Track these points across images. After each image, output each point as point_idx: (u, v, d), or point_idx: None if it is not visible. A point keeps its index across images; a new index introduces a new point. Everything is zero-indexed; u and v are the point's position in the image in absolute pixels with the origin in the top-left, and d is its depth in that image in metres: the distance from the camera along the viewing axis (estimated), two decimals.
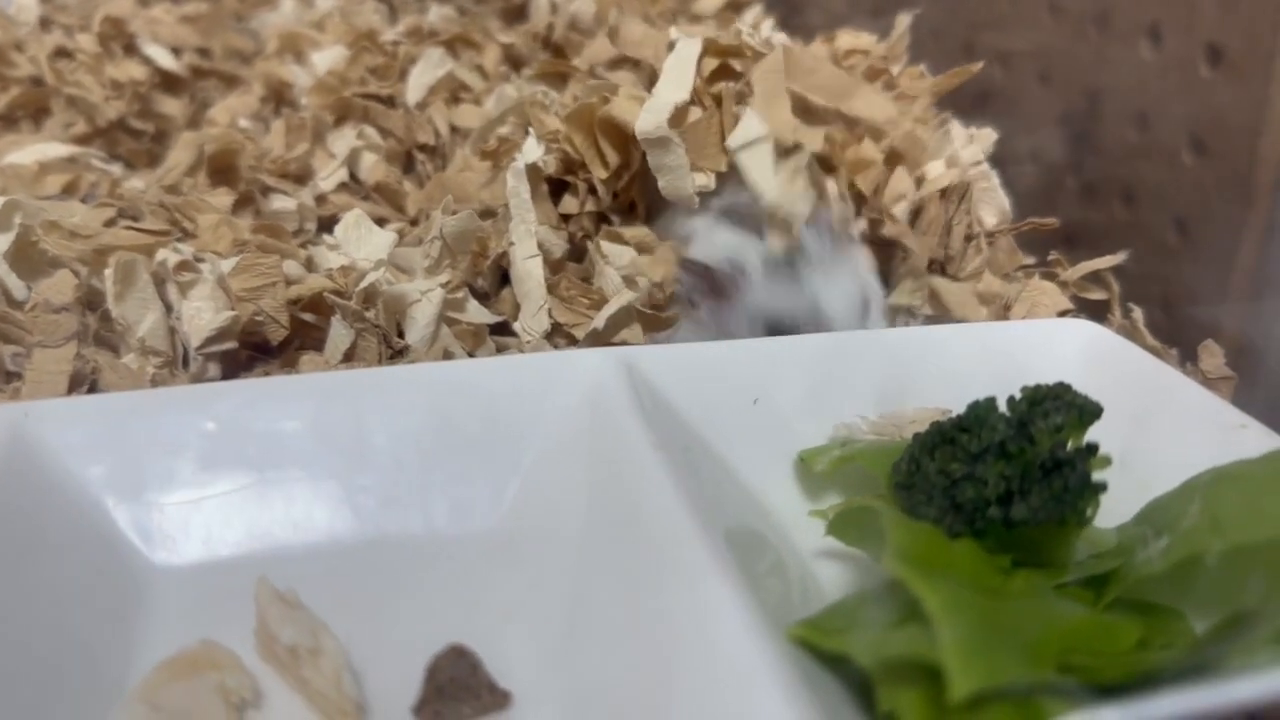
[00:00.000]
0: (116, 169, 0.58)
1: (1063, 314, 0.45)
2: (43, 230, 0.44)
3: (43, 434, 0.34)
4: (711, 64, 0.49)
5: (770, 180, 0.43)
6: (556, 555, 0.33)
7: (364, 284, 0.40)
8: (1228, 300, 0.60)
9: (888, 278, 0.48)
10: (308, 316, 0.43)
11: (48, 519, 0.32)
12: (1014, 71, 0.87)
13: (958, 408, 0.39)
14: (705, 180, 0.45)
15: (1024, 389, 0.33)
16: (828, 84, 0.45)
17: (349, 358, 0.40)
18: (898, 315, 0.47)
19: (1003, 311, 0.45)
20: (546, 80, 0.55)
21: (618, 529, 0.32)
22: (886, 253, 0.49)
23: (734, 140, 0.43)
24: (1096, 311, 0.46)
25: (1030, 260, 0.48)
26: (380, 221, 0.53)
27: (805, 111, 0.46)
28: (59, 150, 0.56)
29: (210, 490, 0.34)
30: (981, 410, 0.33)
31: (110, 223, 0.45)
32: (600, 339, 0.43)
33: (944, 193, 0.47)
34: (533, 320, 0.43)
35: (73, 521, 0.33)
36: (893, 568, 0.25)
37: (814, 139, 0.45)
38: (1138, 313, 0.45)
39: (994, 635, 0.23)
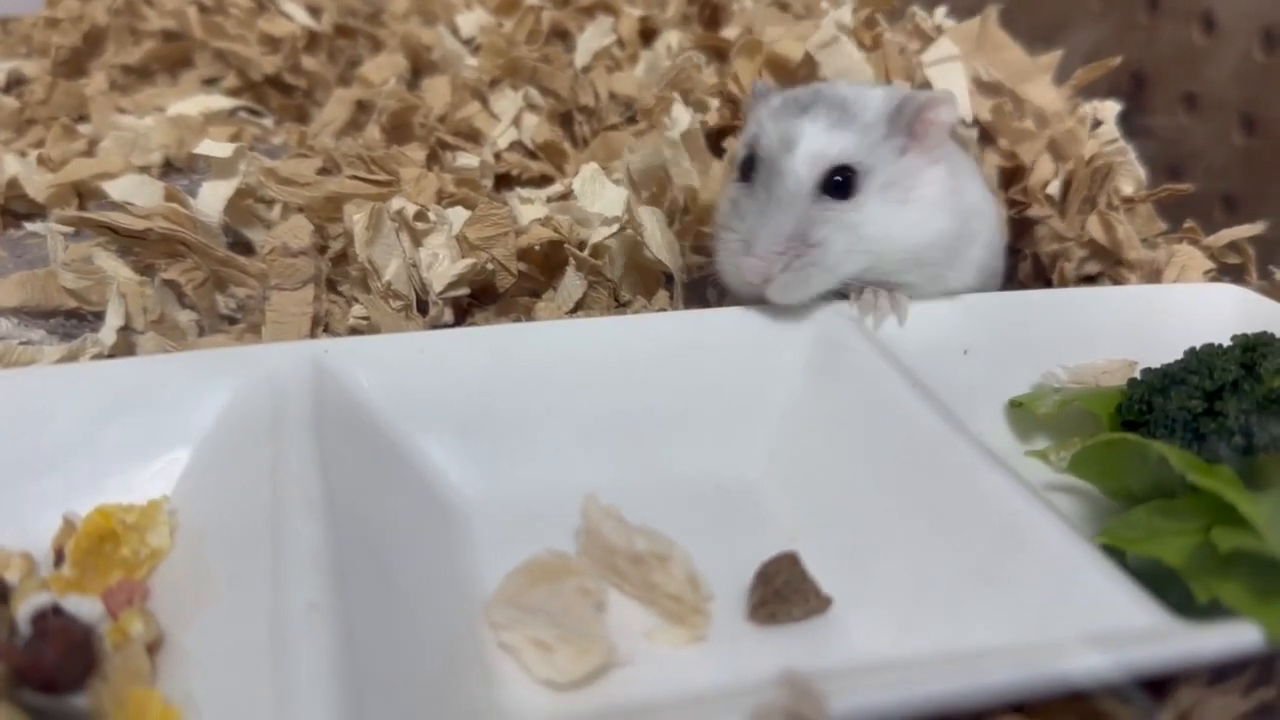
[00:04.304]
0: (269, 123, 0.60)
1: (1205, 275, 0.49)
2: (264, 177, 0.45)
3: (347, 370, 0.36)
4: (864, 13, 0.52)
5: (963, 94, 0.46)
6: (827, 491, 0.36)
7: (596, 239, 0.42)
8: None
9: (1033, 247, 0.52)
10: (522, 265, 0.45)
11: (363, 453, 0.34)
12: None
13: (1140, 359, 0.43)
14: None
15: (1234, 337, 0.38)
16: (1010, 63, 0.49)
17: (579, 308, 0.43)
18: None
19: (1154, 275, 0.49)
20: (703, 50, 0.57)
21: (898, 462, 0.35)
22: (1027, 223, 0.53)
23: (929, 56, 0.46)
24: (1234, 275, 0.50)
25: (1165, 227, 0.52)
26: (545, 179, 0.55)
27: (976, 82, 0.49)
28: (221, 103, 0.57)
29: (502, 424, 0.37)
30: (1205, 355, 0.37)
31: (323, 172, 0.47)
32: None
33: (1091, 172, 0.50)
34: None
35: (385, 455, 0.35)
36: (1204, 482, 0.29)
37: (982, 106, 0.49)
38: None
39: None
